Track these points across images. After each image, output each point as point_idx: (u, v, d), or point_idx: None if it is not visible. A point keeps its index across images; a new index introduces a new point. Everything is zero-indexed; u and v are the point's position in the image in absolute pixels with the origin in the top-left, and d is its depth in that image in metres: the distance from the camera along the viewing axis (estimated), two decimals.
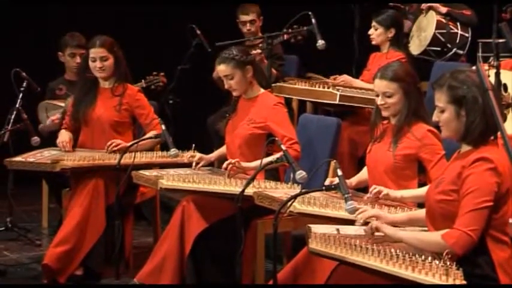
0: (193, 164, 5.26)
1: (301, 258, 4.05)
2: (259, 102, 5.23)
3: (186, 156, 5.32)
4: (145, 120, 5.69)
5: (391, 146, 4.47)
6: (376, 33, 6.66)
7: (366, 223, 3.76)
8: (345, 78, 6.64)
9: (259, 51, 6.72)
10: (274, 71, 6.92)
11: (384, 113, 4.50)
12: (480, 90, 3.48)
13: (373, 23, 6.68)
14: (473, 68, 3.90)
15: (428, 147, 4.40)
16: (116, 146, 5.54)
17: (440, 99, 3.58)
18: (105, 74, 5.67)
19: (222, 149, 5.47)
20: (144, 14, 8.19)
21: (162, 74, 6.89)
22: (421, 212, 3.87)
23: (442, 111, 3.59)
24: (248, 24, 7.29)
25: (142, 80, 6.79)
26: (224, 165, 5.04)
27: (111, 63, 5.65)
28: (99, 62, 5.63)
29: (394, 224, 3.76)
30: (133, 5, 8.15)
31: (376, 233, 3.65)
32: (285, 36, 6.78)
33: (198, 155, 5.32)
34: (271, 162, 4.64)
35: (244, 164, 5.04)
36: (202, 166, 5.29)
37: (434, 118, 3.65)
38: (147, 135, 5.54)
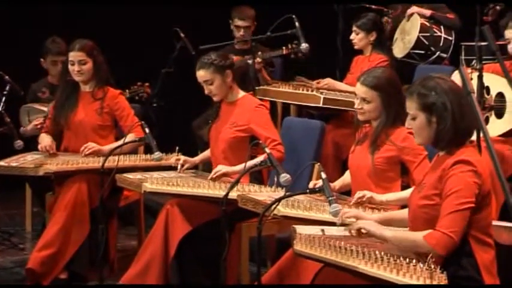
0: (178, 166, 5.26)
1: (286, 260, 4.05)
2: (241, 105, 5.24)
3: (171, 159, 5.32)
4: (125, 123, 5.68)
5: (370, 151, 4.49)
6: (358, 37, 6.68)
7: (344, 224, 3.77)
8: (329, 81, 6.66)
9: (259, 60, 6.74)
10: (268, 77, 6.94)
11: (360, 117, 4.52)
12: (449, 96, 3.52)
13: (354, 28, 6.71)
14: (448, 74, 3.92)
15: (410, 149, 4.40)
16: (90, 149, 5.52)
17: (411, 106, 3.61)
18: (83, 77, 5.66)
19: (207, 152, 5.47)
20: (128, 16, 8.17)
21: (146, 84, 6.88)
22: (396, 213, 3.91)
23: (414, 119, 3.61)
24: (242, 30, 7.23)
25: (127, 90, 6.78)
26: (210, 175, 5.04)
27: (89, 67, 5.64)
28: (77, 66, 5.62)
29: None
30: (117, 8, 8.14)
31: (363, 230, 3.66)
32: (284, 51, 6.81)
33: (182, 157, 5.32)
34: (255, 166, 4.64)
35: (229, 169, 5.04)
36: (187, 169, 5.29)
37: (407, 125, 3.67)
38: (127, 138, 5.50)
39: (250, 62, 6.71)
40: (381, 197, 4.34)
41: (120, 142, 5.36)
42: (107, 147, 5.48)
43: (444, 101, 3.52)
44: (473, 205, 3.43)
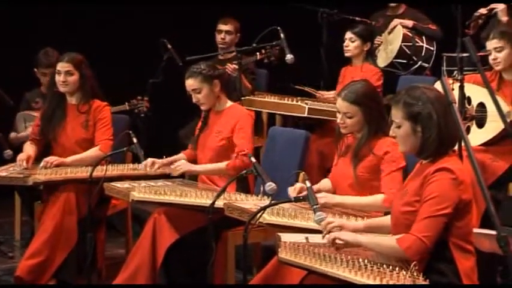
0: (146, 167, 5.21)
1: (271, 267, 4.05)
2: (227, 114, 5.26)
3: (144, 165, 5.28)
4: (97, 133, 5.65)
5: (352, 163, 4.48)
6: (353, 45, 6.65)
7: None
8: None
9: (234, 66, 6.73)
10: (248, 84, 6.95)
11: (342, 131, 4.52)
12: (435, 106, 3.53)
13: (350, 35, 6.66)
14: (431, 84, 3.93)
15: (387, 157, 4.39)
16: (52, 162, 5.49)
17: (397, 115, 3.61)
18: (68, 89, 5.63)
19: (178, 156, 5.44)
20: (117, 28, 8.20)
21: (146, 98, 6.93)
22: (379, 220, 3.91)
23: (399, 127, 3.61)
24: (223, 33, 7.29)
25: (126, 103, 6.81)
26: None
27: (75, 79, 5.62)
28: (63, 76, 5.60)
29: (355, 232, 3.78)
30: (106, 21, 8.16)
31: (337, 241, 3.66)
32: (258, 56, 6.84)
33: (149, 159, 5.26)
34: (241, 175, 4.64)
35: (192, 167, 5.11)
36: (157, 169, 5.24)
37: (391, 133, 3.68)
38: (90, 152, 5.56)
39: (229, 71, 6.73)
40: (337, 198, 4.38)
41: (83, 154, 5.53)
42: (69, 159, 5.51)
43: (430, 111, 3.53)
44: (449, 212, 3.44)
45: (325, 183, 4.72)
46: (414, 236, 3.44)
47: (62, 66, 5.61)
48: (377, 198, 4.37)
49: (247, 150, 5.08)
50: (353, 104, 4.42)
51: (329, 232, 3.73)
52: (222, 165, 5.15)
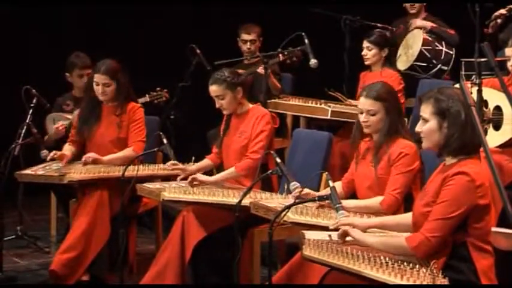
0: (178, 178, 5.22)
1: (295, 262, 4.04)
2: (250, 115, 5.27)
3: (167, 164, 5.29)
4: (130, 134, 5.67)
5: (373, 163, 4.44)
6: (371, 53, 6.63)
7: (337, 229, 3.75)
8: None
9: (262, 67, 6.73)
10: (278, 84, 6.94)
11: (366, 130, 4.46)
12: (464, 106, 3.48)
13: (367, 44, 6.64)
14: (458, 85, 3.90)
15: (400, 159, 4.34)
16: (90, 158, 5.52)
17: (426, 110, 3.58)
18: (107, 98, 5.66)
19: (203, 162, 5.44)
20: (149, 35, 8.24)
21: (165, 90, 6.93)
22: (390, 219, 3.88)
23: (425, 122, 3.58)
24: (248, 43, 7.29)
25: (147, 95, 6.82)
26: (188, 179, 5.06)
27: (112, 89, 5.63)
28: (102, 87, 5.61)
29: (367, 230, 3.76)
30: (139, 27, 8.22)
31: (347, 238, 3.65)
32: (281, 57, 6.81)
33: (180, 166, 5.27)
34: (266, 175, 4.63)
35: (206, 179, 5.07)
36: (182, 178, 5.22)
37: (417, 128, 3.64)
38: (124, 152, 5.57)
39: (261, 71, 6.73)
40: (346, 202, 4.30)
41: (117, 154, 5.56)
42: (106, 158, 5.55)
43: (459, 109, 3.50)
44: (461, 215, 3.41)
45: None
46: (423, 235, 3.43)
47: (99, 78, 5.61)
48: (375, 201, 4.32)
49: (257, 151, 5.08)
50: (376, 100, 4.38)
51: (337, 229, 3.71)
52: (232, 169, 5.15)
